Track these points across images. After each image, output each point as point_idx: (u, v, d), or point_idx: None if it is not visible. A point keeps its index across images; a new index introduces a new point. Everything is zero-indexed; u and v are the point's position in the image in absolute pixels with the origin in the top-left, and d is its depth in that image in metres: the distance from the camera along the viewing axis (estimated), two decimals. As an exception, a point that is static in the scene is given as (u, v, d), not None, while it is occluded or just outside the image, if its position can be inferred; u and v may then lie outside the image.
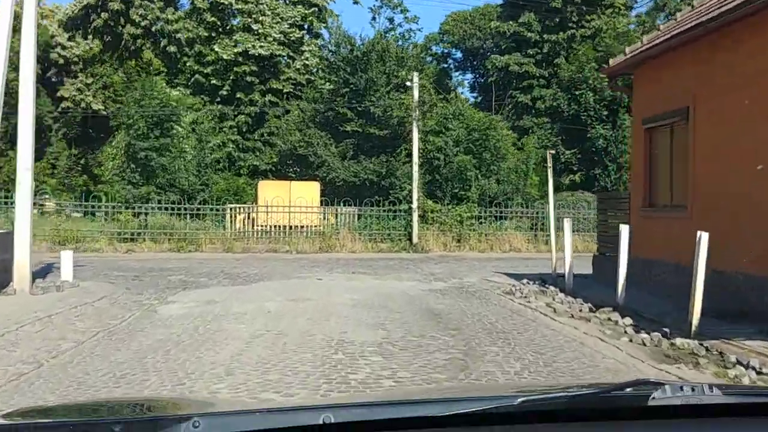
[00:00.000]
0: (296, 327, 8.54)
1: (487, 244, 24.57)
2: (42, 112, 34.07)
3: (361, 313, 9.73)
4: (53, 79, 41.75)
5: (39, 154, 29.64)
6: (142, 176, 23.93)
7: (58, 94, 40.97)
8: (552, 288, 12.71)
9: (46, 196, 29.52)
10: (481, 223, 25.09)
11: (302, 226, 24.23)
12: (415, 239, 23.91)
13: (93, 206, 24.97)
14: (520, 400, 1.28)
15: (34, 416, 1.71)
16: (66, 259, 12.46)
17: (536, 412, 1.30)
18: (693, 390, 1.30)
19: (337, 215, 24.96)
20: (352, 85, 29.16)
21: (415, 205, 23.94)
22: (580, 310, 10.24)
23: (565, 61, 33.55)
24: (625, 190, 30.35)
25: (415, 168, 24.04)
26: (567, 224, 13.05)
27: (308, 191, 25.09)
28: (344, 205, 25.03)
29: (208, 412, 1.51)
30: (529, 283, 13.64)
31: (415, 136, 24.31)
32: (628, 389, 1.36)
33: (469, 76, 45.58)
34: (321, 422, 1.22)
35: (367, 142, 30.06)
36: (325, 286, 12.98)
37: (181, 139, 25.18)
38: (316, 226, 24.48)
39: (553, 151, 17.24)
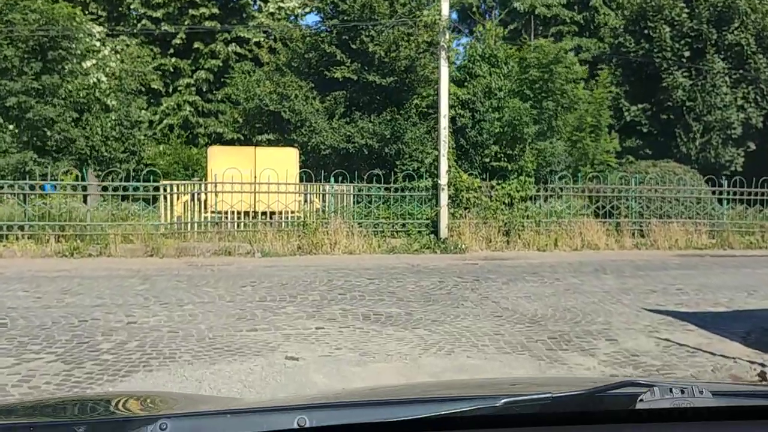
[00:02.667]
0: None
1: (549, 239, 16.49)
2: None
3: None
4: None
5: None
6: (15, 137, 15.46)
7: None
8: None
9: None
10: (539, 205, 17.00)
11: (273, 214, 16.05)
12: (443, 232, 15.78)
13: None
14: (503, 401, 1.21)
15: None
16: None
17: (519, 414, 1.21)
18: (683, 392, 1.24)
19: (324, 196, 16.72)
20: (343, 15, 20.85)
21: (443, 180, 15.78)
22: None
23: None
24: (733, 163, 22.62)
25: (444, 123, 15.78)
26: None
27: (282, 161, 16.75)
28: (335, 182, 16.83)
29: (176, 412, 1.42)
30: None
31: (444, 74, 16.00)
32: (616, 390, 1.28)
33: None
34: (296, 425, 1.15)
35: (364, 94, 21.75)
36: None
37: (94, 83, 16.75)
38: (293, 213, 16.29)
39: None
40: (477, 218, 16.18)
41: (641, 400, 1.23)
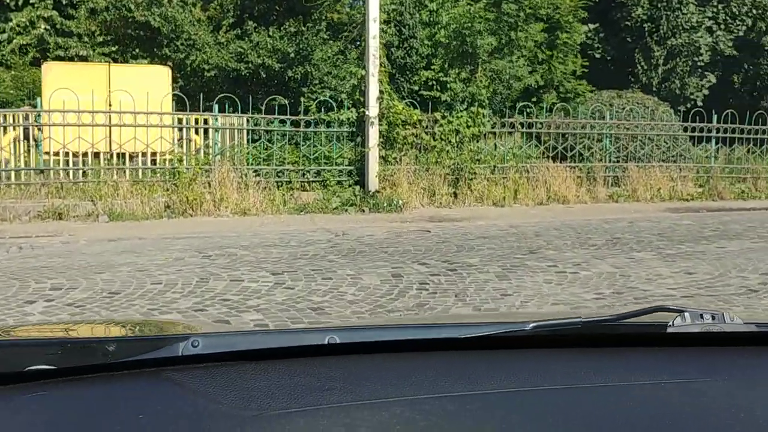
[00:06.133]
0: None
1: (507, 190, 12.58)
2: None
3: None
4: None
5: None
6: None
7: None
8: None
9: None
10: (494, 146, 12.96)
11: (134, 156, 11.32)
12: (372, 183, 11.53)
13: None
14: (531, 325, 1.16)
15: (17, 334, 1.54)
16: None
17: (548, 337, 1.19)
18: (713, 318, 1.17)
19: (208, 133, 12.02)
20: None
21: (373, 111, 11.43)
22: None
23: None
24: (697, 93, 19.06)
25: (374, 29, 11.27)
26: None
27: (146, 83, 11.87)
28: (221, 113, 12.14)
29: (207, 331, 1.38)
30: None
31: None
32: (645, 316, 1.22)
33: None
34: (326, 342, 1.11)
35: (259, 1, 17.02)
36: None
37: None
38: (164, 156, 11.61)
39: None
40: (417, 164, 12.01)
41: (671, 325, 1.16)
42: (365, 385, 1.03)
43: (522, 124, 13.23)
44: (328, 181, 11.58)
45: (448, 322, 1.56)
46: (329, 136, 11.93)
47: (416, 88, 16.40)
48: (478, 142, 12.70)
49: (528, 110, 13.31)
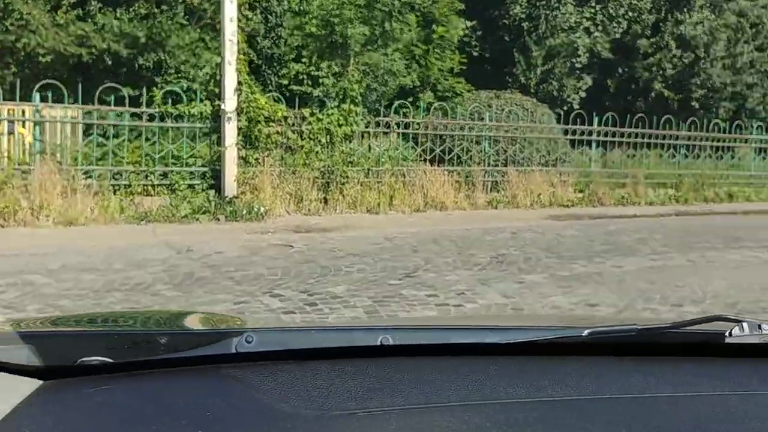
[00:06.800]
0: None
1: (382, 195, 11.49)
2: None
3: None
4: None
5: None
6: None
7: None
8: None
9: None
10: (368, 147, 11.79)
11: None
12: (230, 187, 10.05)
13: None
14: (587, 331, 1.13)
15: (61, 324, 1.43)
16: None
17: (604, 344, 1.15)
18: None
19: (36, 127, 10.08)
20: None
21: (230, 104, 9.95)
22: None
23: None
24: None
25: (231, 10, 9.78)
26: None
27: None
28: (45, 104, 10.24)
29: (261, 327, 1.35)
30: None
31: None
32: (703, 325, 1.18)
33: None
34: (379, 343, 1.09)
35: (106, -22, 15.06)
36: None
37: None
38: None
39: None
40: (282, 166, 10.66)
41: (729, 335, 1.13)
42: (424, 388, 1.00)
43: (398, 124, 12.16)
44: (177, 185, 10.01)
45: (500, 325, 1.50)
46: (179, 133, 10.36)
47: (285, 82, 15.04)
48: (350, 142, 11.52)
49: (404, 109, 12.26)
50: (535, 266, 6.68)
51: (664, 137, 15.30)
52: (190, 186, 10.13)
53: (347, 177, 11.17)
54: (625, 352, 1.16)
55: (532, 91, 17.98)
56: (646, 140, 15.04)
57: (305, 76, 14.83)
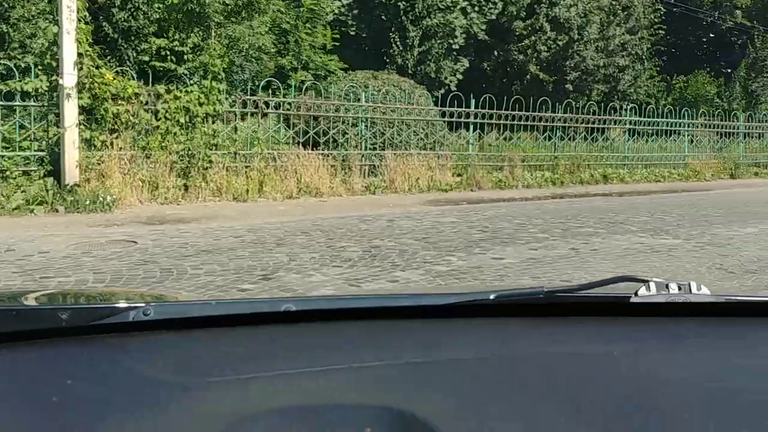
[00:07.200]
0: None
1: (251, 181, 10.60)
2: None
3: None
4: None
5: None
6: None
7: None
8: None
9: None
10: (234, 129, 10.82)
11: None
12: (71, 174, 8.84)
13: None
14: (494, 295, 1.14)
15: None
16: None
17: (511, 308, 1.16)
18: (680, 288, 1.15)
19: None
20: None
21: (69, 79, 8.72)
22: None
23: None
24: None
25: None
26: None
27: None
28: None
29: (160, 302, 1.30)
30: None
31: None
32: (610, 286, 1.21)
33: None
34: (282, 310, 1.08)
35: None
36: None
37: None
38: None
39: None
40: (134, 149, 9.54)
41: (636, 294, 1.13)
42: (318, 352, 0.99)
43: (267, 104, 11.26)
44: (8, 172, 8.72)
45: (409, 293, 1.53)
46: (10, 113, 9.03)
47: (146, 58, 13.73)
48: (214, 123, 10.53)
49: (274, 88, 11.37)
50: (410, 261, 6.05)
51: (540, 119, 15.21)
52: (26, 173, 8.86)
53: (211, 161, 10.21)
54: (533, 315, 1.16)
55: (409, 72, 17.51)
56: (522, 123, 14.89)
57: (168, 52, 13.61)
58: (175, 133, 10.07)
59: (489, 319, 1.13)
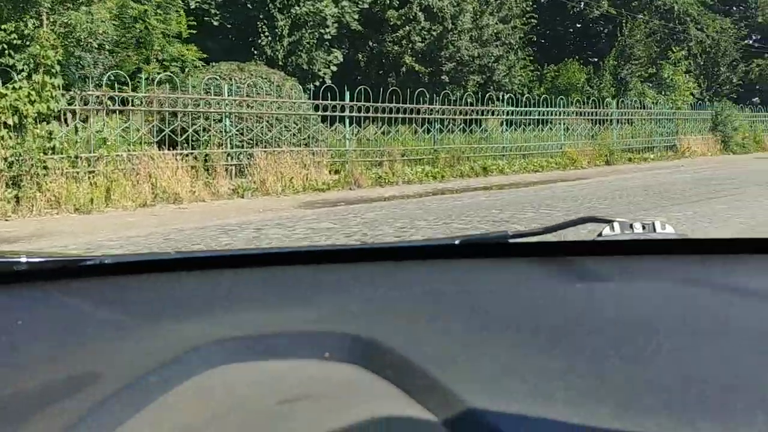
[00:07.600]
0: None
1: (96, 190, 9.32)
2: None
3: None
4: None
5: None
6: None
7: None
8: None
9: None
10: (75, 130, 9.46)
11: None
12: None
13: None
14: (458, 240, 1.11)
15: None
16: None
17: (476, 250, 1.14)
18: (644, 228, 1.17)
19: None
20: None
21: None
22: None
23: None
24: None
25: None
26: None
27: None
28: None
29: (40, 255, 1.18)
30: None
31: None
32: (574, 227, 1.24)
33: None
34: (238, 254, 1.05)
35: None
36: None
37: None
38: None
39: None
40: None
41: (600, 235, 1.17)
42: (273, 290, 0.97)
43: (113, 100, 9.95)
44: None
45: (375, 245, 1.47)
46: None
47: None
48: (49, 124, 9.14)
49: (122, 81, 10.08)
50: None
51: (417, 112, 14.63)
52: None
53: (46, 167, 8.85)
54: (499, 257, 1.15)
55: (280, 63, 16.49)
56: (400, 116, 14.25)
57: (6, 46, 11.94)
58: (2, 137, 8.64)
59: (454, 261, 1.11)
